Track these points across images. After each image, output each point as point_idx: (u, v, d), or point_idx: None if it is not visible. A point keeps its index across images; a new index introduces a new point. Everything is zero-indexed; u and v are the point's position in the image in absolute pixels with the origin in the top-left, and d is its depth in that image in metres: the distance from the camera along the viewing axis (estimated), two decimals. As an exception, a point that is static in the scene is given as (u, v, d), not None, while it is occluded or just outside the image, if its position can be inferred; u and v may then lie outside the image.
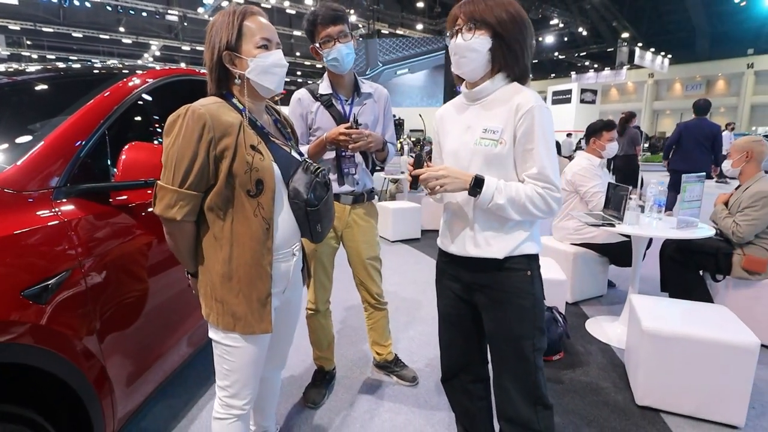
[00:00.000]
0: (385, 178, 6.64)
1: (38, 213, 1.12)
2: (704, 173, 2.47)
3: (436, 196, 1.26)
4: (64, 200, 1.21)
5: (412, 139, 13.42)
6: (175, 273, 1.59)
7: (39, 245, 1.08)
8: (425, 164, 1.19)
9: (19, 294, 0.99)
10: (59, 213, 1.16)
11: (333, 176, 1.79)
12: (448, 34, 1.21)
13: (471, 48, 1.14)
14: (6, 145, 1.33)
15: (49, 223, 1.12)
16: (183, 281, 1.62)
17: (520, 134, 1.12)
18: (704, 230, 2.37)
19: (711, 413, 1.83)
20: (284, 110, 1.48)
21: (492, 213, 1.16)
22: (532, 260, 1.20)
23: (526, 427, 1.21)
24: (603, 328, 2.70)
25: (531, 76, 1.23)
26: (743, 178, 2.58)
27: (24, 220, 1.07)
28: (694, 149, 4.97)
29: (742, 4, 19.62)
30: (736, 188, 2.63)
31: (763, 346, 2.47)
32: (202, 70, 1.36)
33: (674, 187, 4.88)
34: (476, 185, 1.11)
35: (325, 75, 1.81)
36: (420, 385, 2.10)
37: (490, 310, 1.24)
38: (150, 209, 1.48)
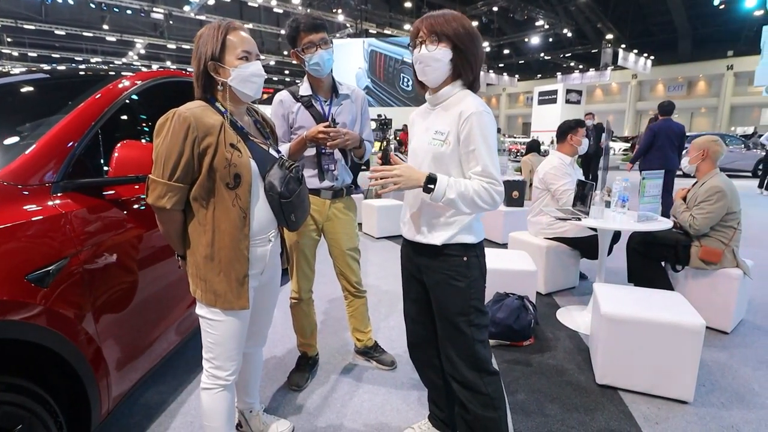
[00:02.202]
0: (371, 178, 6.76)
1: (39, 205, 1.22)
2: (663, 171, 2.64)
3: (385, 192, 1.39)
4: (62, 194, 1.31)
5: (398, 138, 13.49)
6: (164, 264, 1.70)
7: (41, 234, 1.19)
8: (391, 160, 1.34)
9: (24, 278, 1.10)
10: (58, 205, 1.27)
11: (314, 172, 1.92)
12: (410, 45, 1.35)
13: (435, 58, 1.28)
14: (8, 143, 1.43)
15: (49, 215, 1.23)
16: (172, 271, 1.73)
17: (463, 137, 1.27)
18: (662, 223, 2.55)
19: (663, 390, 2.00)
20: (266, 111, 1.60)
21: (434, 205, 1.32)
22: (469, 248, 1.36)
23: (475, 390, 1.37)
24: (572, 317, 2.86)
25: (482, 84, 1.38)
26: (699, 174, 2.77)
27: (26, 211, 1.18)
28: (668, 149, 5.18)
29: (721, 7, 20.10)
30: (693, 184, 2.82)
31: (715, 330, 2.68)
32: (188, 70, 1.48)
33: (666, 187, 4.76)
34: (429, 182, 1.25)
35: (305, 78, 1.94)
36: (398, 369, 2.23)
37: (433, 289, 1.41)
38: (140, 203, 1.59)
